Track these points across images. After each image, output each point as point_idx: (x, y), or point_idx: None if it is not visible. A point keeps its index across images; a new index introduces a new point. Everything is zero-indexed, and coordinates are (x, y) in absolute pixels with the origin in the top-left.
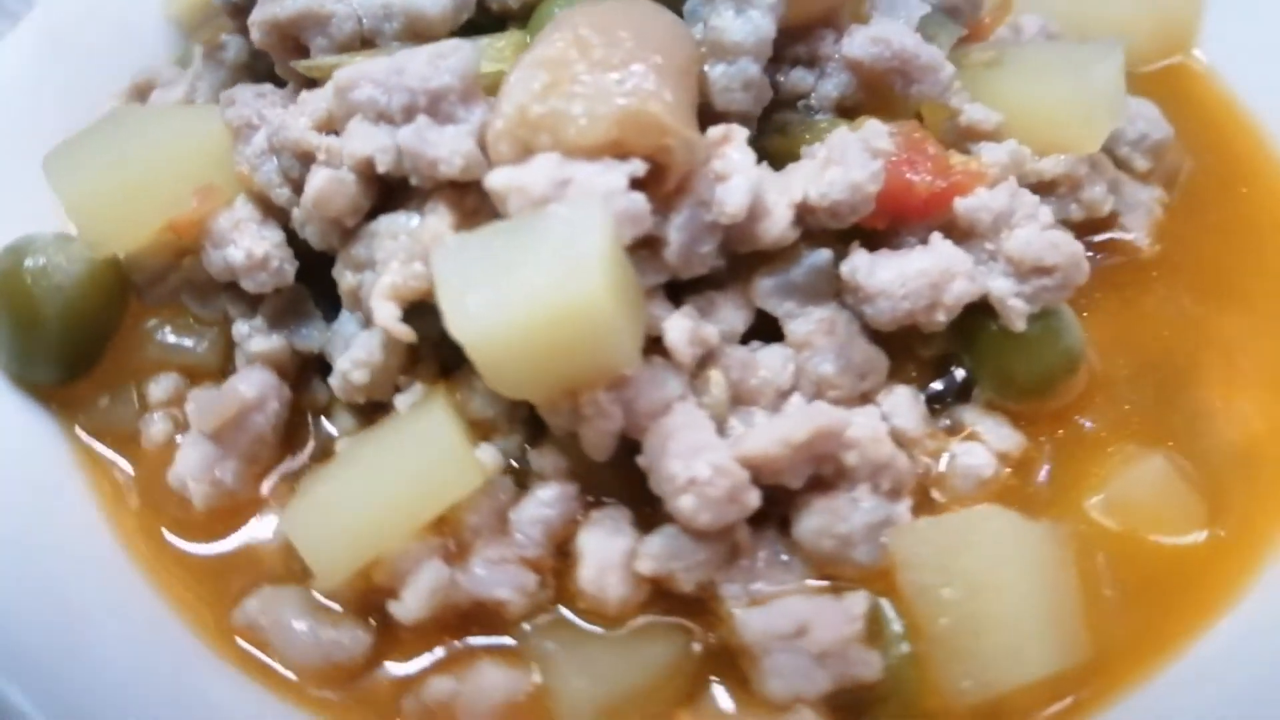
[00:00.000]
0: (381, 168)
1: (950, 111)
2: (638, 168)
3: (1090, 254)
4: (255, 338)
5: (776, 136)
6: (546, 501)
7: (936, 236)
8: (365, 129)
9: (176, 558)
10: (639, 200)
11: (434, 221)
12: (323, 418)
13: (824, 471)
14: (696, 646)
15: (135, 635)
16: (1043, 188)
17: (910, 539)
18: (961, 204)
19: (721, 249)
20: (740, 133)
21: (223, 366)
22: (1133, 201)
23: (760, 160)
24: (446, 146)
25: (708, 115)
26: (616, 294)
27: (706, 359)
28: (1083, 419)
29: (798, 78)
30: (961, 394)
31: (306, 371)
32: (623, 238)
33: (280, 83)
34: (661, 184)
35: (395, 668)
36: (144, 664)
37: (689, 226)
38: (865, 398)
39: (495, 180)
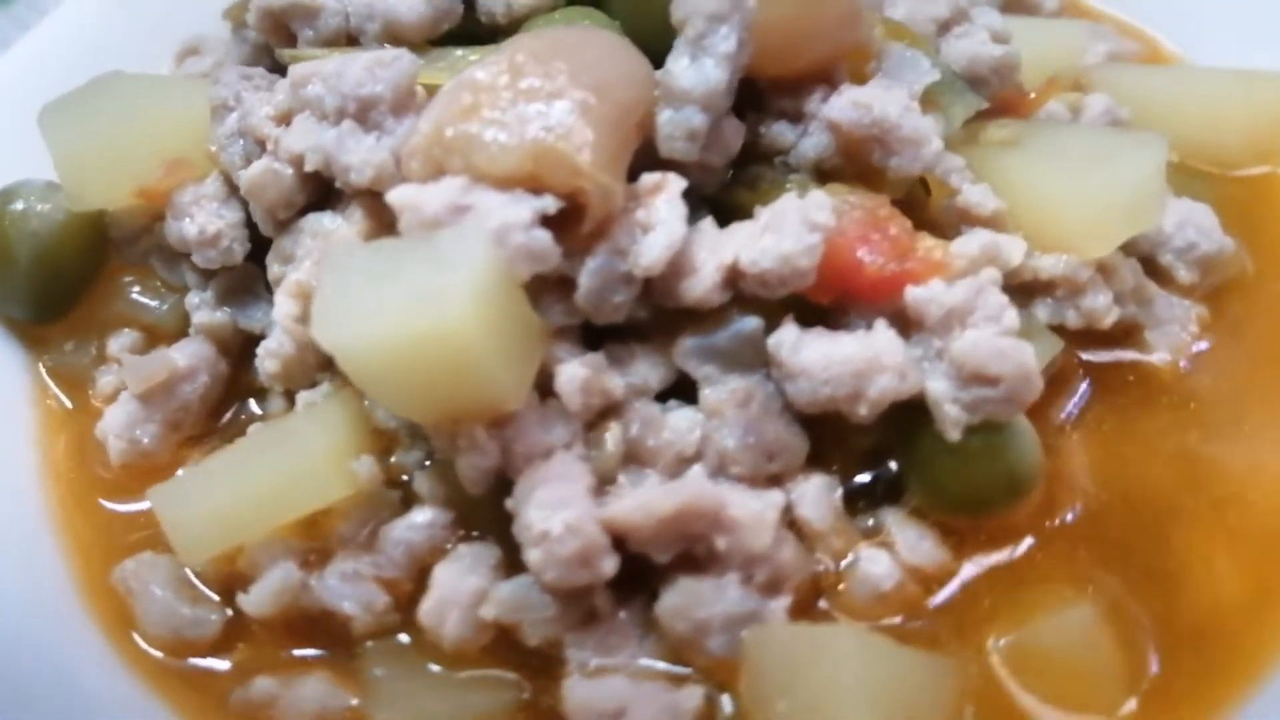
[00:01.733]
0: (309, 166)
1: (950, 190)
2: (549, 204)
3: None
4: (202, 310)
5: (744, 190)
6: (416, 525)
7: (881, 323)
8: (307, 125)
9: (84, 505)
10: (542, 238)
11: (345, 227)
12: (253, 400)
13: (697, 550)
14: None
15: (16, 563)
16: (1039, 287)
17: (763, 641)
18: (912, 293)
19: (644, 301)
20: (675, 184)
21: (181, 330)
22: (1163, 316)
23: (718, 212)
24: (360, 155)
25: (655, 161)
26: (487, 326)
27: (610, 410)
28: (1027, 546)
29: (778, 132)
30: (892, 495)
31: (251, 351)
32: (518, 273)
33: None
34: (578, 225)
35: (236, 657)
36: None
37: (601, 273)
38: (775, 480)
39: (394, 196)
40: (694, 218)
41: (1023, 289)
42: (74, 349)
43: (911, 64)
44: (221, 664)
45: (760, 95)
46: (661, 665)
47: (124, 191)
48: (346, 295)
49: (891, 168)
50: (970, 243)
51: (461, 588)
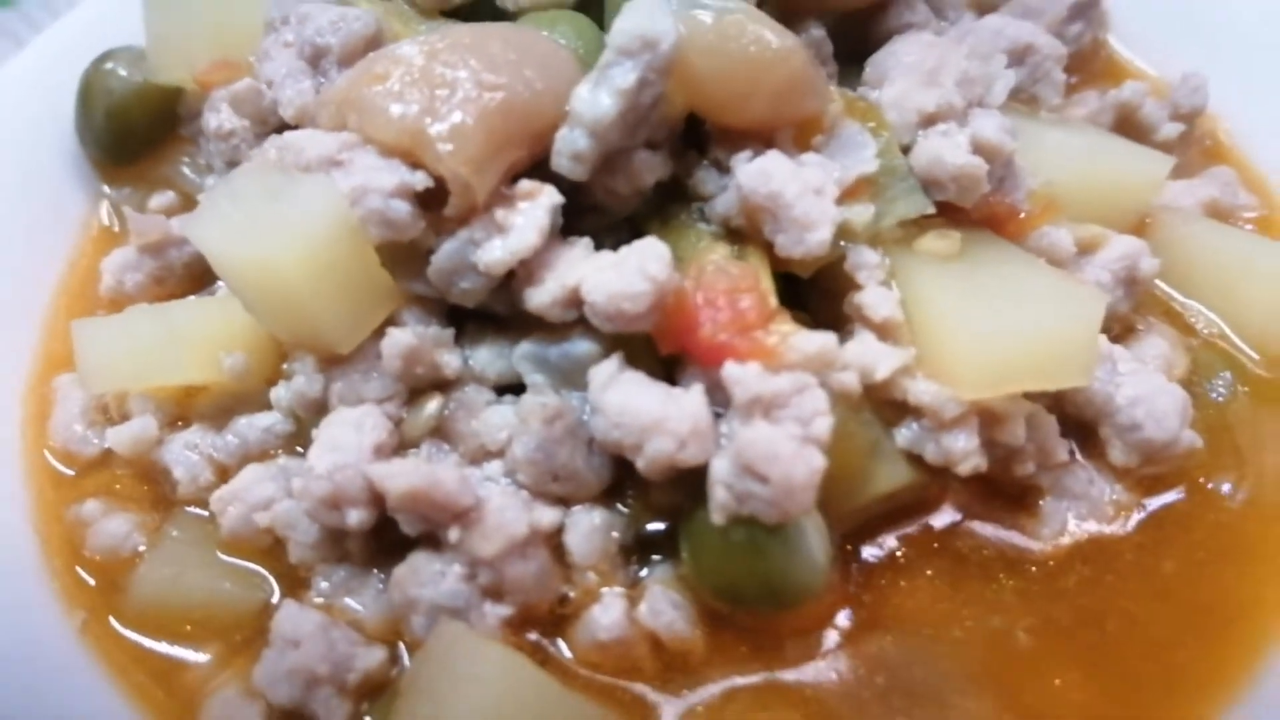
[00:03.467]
0: (271, 92)
1: (857, 285)
2: (417, 180)
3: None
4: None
5: (656, 223)
6: (256, 425)
7: (698, 388)
8: (285, 58)
9: None
10: (399, 208)
11: (272, 153)
12: None
13: (439, 534)
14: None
15: None
16: (909, 410)
17: (438, 636)
18: (727, 369)
19: (504, 296)
20: (547, 196)
21: None
22: (1073, 490)
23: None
24: (292, 92)
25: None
26: (311, 269)
27: (442, 385)
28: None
29: (703, 179)
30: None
31: None
32: (368, 233)
33: None
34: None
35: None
36: None
37: (451, 257)
38: (561, 500)
39: (287, 136)
40: (611, 239)
41: (893, 407)
42: (129, 193)
43: (857, 148)
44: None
45: (705, 139)
46: (373, 623)
47: (185, 75)
48: (216, 204)
49: (778, 244)
50: (811, 341)
51: (254, 489)
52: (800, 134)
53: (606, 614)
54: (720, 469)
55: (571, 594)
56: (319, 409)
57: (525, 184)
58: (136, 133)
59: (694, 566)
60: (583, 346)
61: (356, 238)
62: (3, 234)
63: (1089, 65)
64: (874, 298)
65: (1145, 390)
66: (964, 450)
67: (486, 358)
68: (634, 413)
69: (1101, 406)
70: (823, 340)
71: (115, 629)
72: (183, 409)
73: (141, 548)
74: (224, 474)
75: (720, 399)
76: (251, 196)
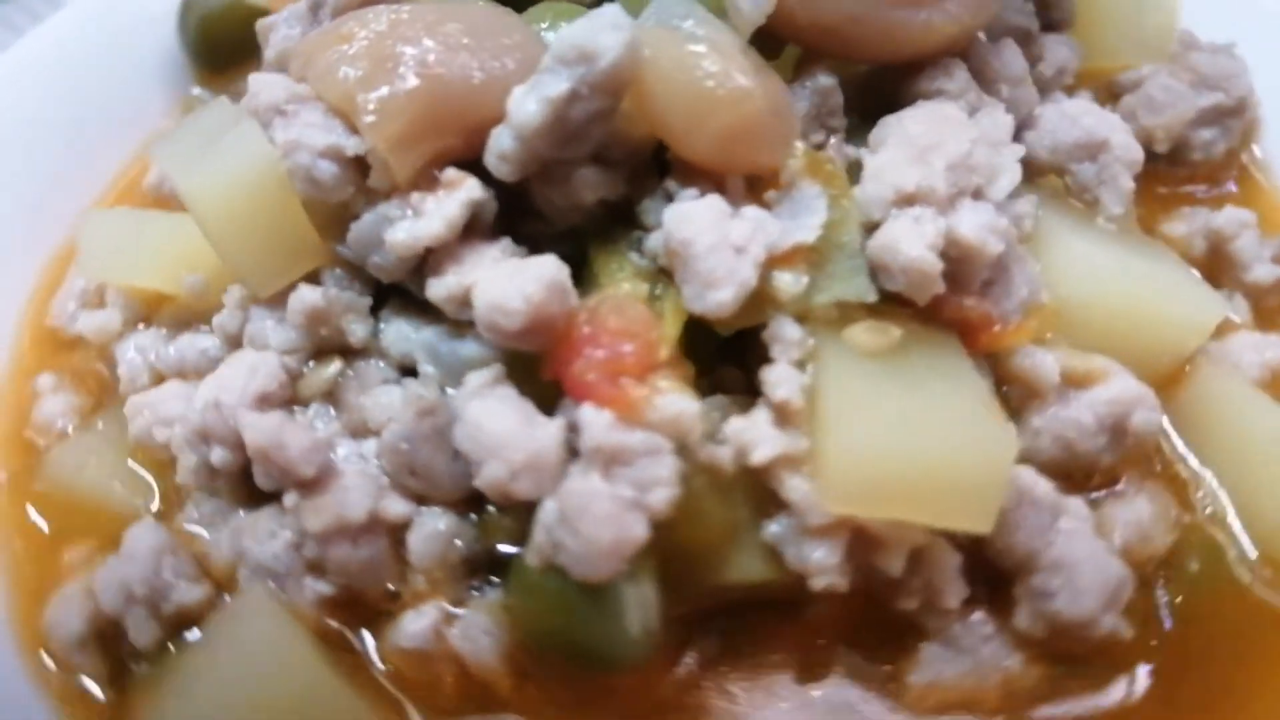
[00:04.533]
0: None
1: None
2: (352, 145)
3: None
4: None
5: (597, 242)
6: (198, 345)
7: (558, 421)
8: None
9: None
10: (325, 169)
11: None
12: None
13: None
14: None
15: None
16: (780, 505)
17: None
18: (583, 410)
19: (418, 279)
20: (466, 190)
21: None
22: (958, 642)
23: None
24: (279, 35)
25: None
26: (226, 211)
27: (347, 352)
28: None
29: (648, 209)
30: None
31: None
32: (298, 188)
33: None
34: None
35: None
36: None
37: (366, 229)
38: (419, 497)
39: (252, 77)
40: (555, 247)
41: (767, 496)
42: (209, 97)
43: (806, 212)
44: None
45: (666, 168)
46: (219, 563)
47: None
48: (182, 130)
49: (683, 294)
50: (673, 404)
51: (165, 404)
52: (754, 184)
53: (416, 622)
54: (547, 511)
55: (401, 593)
56: (235, 343)
57: (450, 173)
58: (223, 45)
59: (512, 602)
60: (470, 348)
61: (283, 189)
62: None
63: (1217, 176)
64: (778, 376)
65: (1075, 557)
66: (820, 563)
67: (394, 336)
68: (485, 430)
69: (1022, 561)
70: (681, 407)
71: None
72: (150, 312)
73: (71, 429)
74: (159, 382)
75: None
76: (205, 130)
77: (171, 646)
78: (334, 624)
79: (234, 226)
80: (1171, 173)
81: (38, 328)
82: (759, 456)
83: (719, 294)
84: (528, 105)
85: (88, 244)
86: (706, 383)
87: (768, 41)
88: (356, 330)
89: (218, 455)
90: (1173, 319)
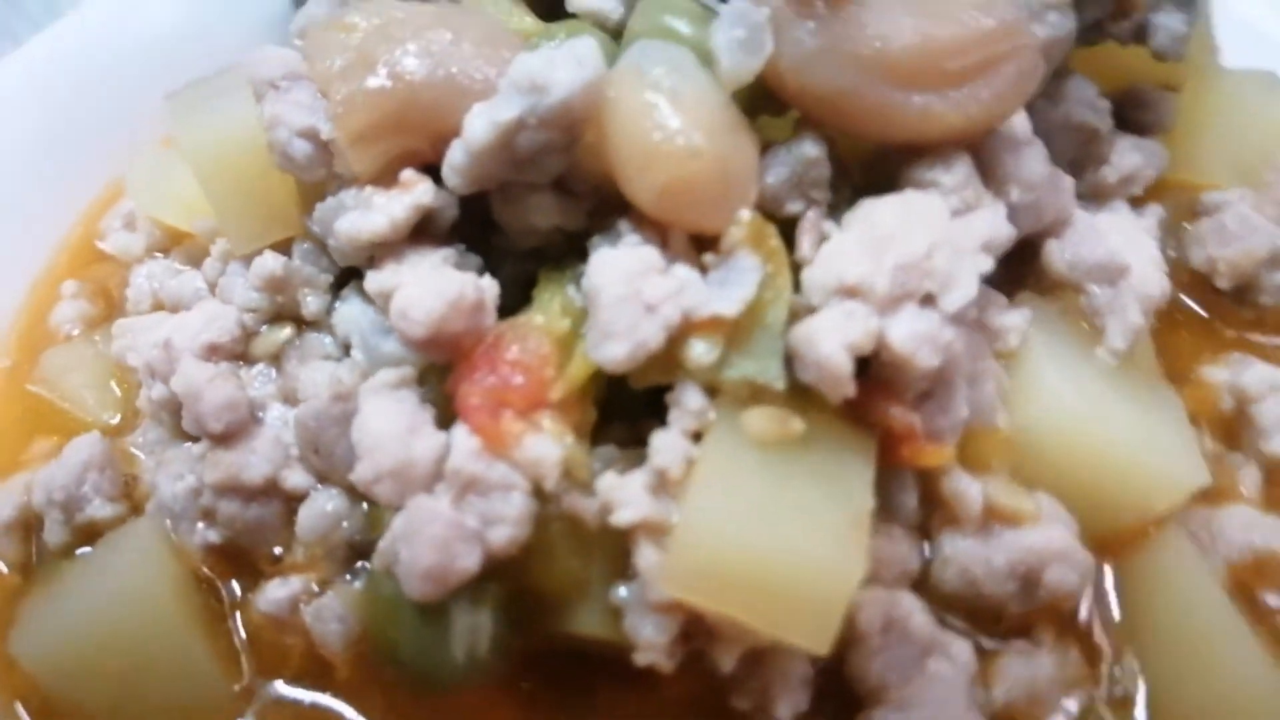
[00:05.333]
0: None
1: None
2: (327, 130)
3: None
4: None
5: (547, 266)
6: (194, 283)
7: (438, 436)
8: None
9: None
10: (300, 147)
11: None
12: None
13: None
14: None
15: None
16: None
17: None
18: (455, 431)
19: None
20: (415, 194)
21: None
22: None
23: None
24: (304, 13)
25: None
26: (212, 171)
27: (302, 323)
28: None
29: (594, 244)
30: None
31: None
32: (275, 161)
33: None
34: None
35: None
36: None
37: (325, 213)
38: (321, 475)
39: (259, 48)
40: (515, 266)
41: (625, 558)
42: None
43: (734, 284)
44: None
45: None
46: (148, 488)
47: None
48: (194, 88)
49: (586, 341)
50: (537, 446)
51: (146, 333)
52: (697, 244)
53: (278, 590)
54: (397, 521)
55: (284, 559)
56: (213, 291)
57: (407, 174)
58: None
59: (361, 598)
60: (391, 345)
61: (263, 160)
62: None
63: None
64: (665, 442)
65: (928, 700)
66: (648, 639)
67: (343, 316)
68: (369, 428)
69: (873, 690)
70: (544, 451)
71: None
72: (172, 244)
73: (75, 333)
74: (158, 310)
75: None
76: (216, 89)
77: (77, 553)
78: (208, 572)
79: (220, 183)
80: (1236, 313)
81: (84, 236)
82: (619, 518)
83: (613, 347)
84: (477, 124)
85: (133, 174)
86: (628, 433)
87: (773, 99)
88: (310, 303)
89: (157, 390)
90: (1142, 476)
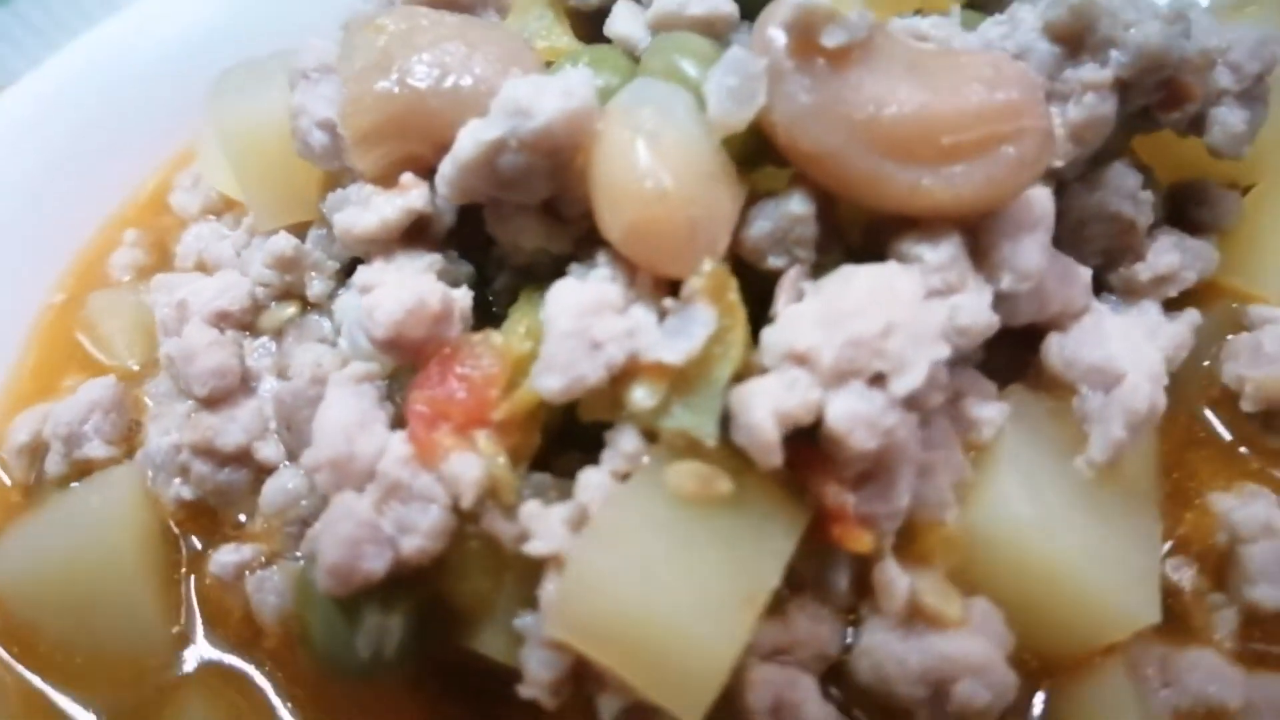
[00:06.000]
0: None
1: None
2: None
3: None
4: None
5: (533, 285)
6: (234, 246)
7: (389, 436)
8: None
9: None
10: (318, 138)
11: None
12: None
13: None
14: None
15: None
16: None
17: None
18: (393, 435)
19: None
20: (409, 198)
21: None
22: None
23: None
24: (355, 7)
25: None
26: (239, 149)
27: (308, 304)
28: None
29: (571, 271)
30: None
31: None
32: (295, 148)
33: None
34: None
35: None
36: None
37: (332, 203)
38: (290, 452)
39: (307, 40)
40: (507, 277)
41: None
42: None
43: (685, 334)
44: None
45: None
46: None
47: None
48: (233, 70)
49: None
50: (460, 464)
51: (185, 287)
52: (660, 286)
53: (228, 555)
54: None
55: (245, 525)
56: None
57: (406, 178)
58: None
59: (297, 576)
60: (366, 340)
61: (289, 145)
62: None
63: None
64: (590, 480)
65: None
66: (533, 674)
67: (344, 302)
68: (323, 416)
69: None
70: (464, 470)
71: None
72: (225, 209)
73: (125, 279)
74: (202, 267)
75: None
76: (253, 76)
77: (70, 486)
78: (175, 527)
79: (248, 162)
80: (1262, 440)
81: (158, 188)
82: (532, 547)
83: (549, 380)
84: (464, 140)
85: (202, 137)
86: (578, 464)
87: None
88: (315, 286)
89: (166, 346)
90: (1087, 602)
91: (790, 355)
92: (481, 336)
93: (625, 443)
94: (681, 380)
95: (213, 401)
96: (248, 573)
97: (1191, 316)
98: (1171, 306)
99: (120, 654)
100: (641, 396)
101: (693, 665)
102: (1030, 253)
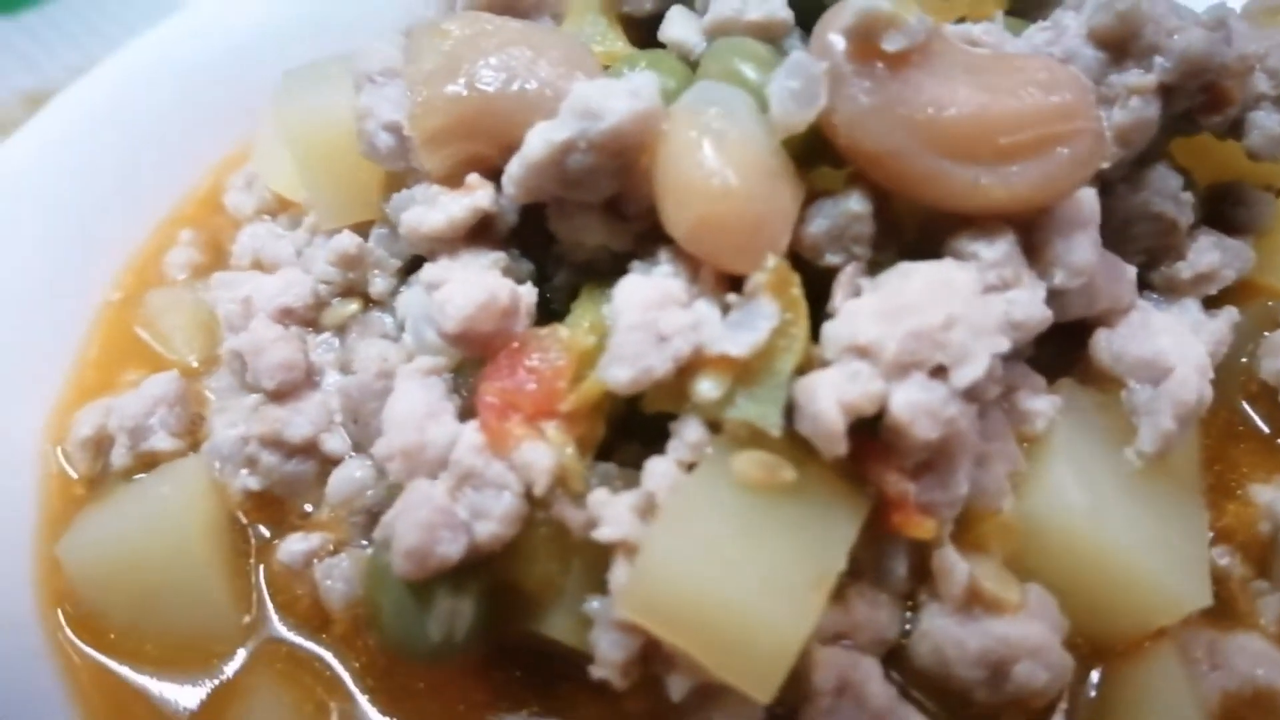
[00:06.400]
0: None
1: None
2: (406, 128)
3: None
4: None
5: (594, 281)
6: (295, 244)
7: (457, 426)
8: None
9: None
10: (384, 139)
11: None
12: None
13: None
14: None
15: None
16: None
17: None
18: (466, 424)
19: None
20: (475, 198)
21: None
22: None
23: None
24: (417, 14)
25: None
26: (305, 151)
27: (370, 301)
28: None
29: (634, 268)
30: None
31: None
32: (360, 149)
33: None
34: None
35: None
36: None
37: (398, 202)
38: (356, 443)
39: (367, 44)
40: (567, 274)
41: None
42: None
43: (749, 327)
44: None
45: None
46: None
47: None
48: (299, 72)
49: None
50: (532, 452)
51: (240, 284)
52: (731, 282)
53: (297, 544)
54: (399, 500)
55: (311, 515)
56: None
57: (472, 178)
58: None
59: (366, 565)
60: (434, 334)
61: (354, 146)
62: None
63: None
64: (657, 468)
65: None
66: (604, 655)
67: (407, 299)
68: (393, 407)
69: None
70: (536, 457)
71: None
72: (279, 209)
73: (181, 277)
74: (258, 265)
75: None
76: (320, 77)
77: (135, 478)
78: (243, 517)
79: (313, 162)
80: None
81: (212, 189)
82: (601, 533)
83: (618, 371)
84: (534, 141)
85: (258, 138)
86: (640, 455)
87: (831, 151)
88: (377, 283)
89: (231, 342)
90: (1140, 587)
91: (853, 348)
92: (549, 331)
93: (690, 433)
94: (745, 372)
95: (280, 395)
96: (315, 561)
97: (1230, 314)
98: (1210, 305)
99: (190, 640)
100: (707, 388)
101: (763, 645)
102: (1083, 249)
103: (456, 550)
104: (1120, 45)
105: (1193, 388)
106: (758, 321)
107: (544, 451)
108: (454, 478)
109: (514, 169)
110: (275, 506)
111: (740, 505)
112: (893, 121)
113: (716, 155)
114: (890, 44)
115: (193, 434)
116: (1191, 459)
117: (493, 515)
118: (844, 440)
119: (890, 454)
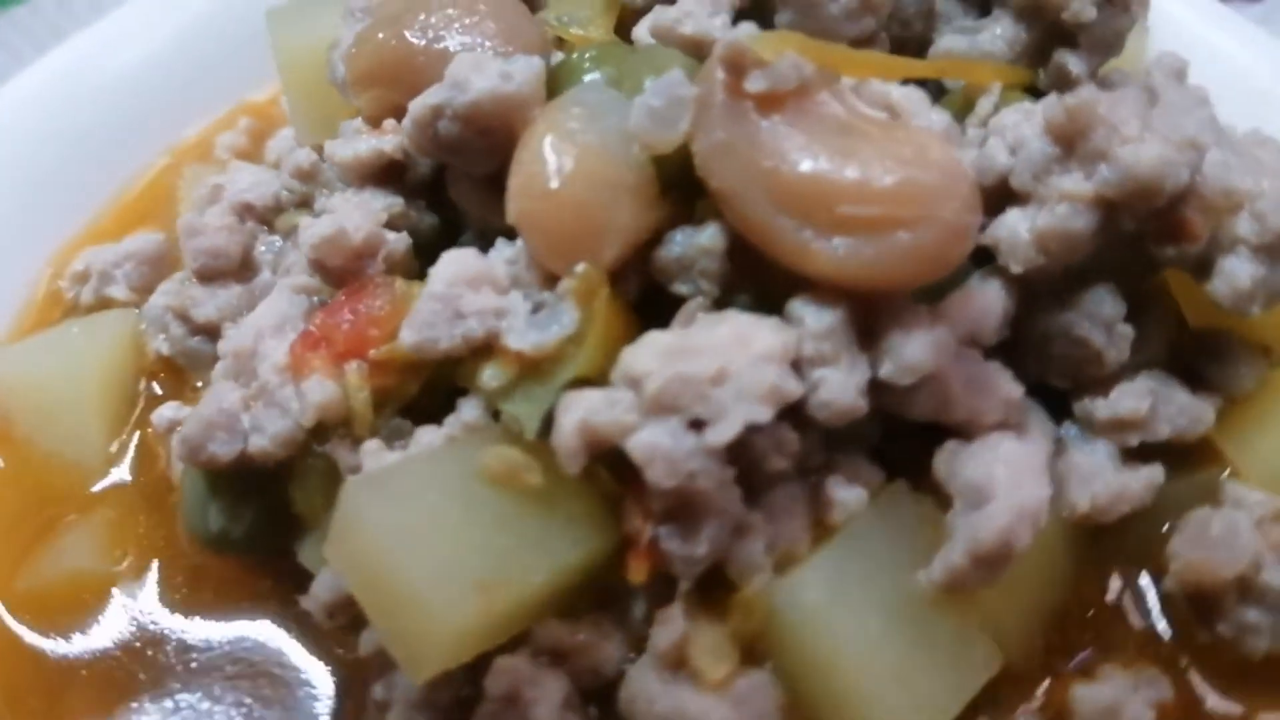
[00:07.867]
0: None
1: None
2: None
3: None
4: None
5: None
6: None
7: None
8: None
9: None
10: (341, 71)
11: None
12: None
13: None
14: None
15: None
16: None
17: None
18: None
19: None
20: (386, 140)
21: None
22: None
23: None
24: None
25: None
26: (293, 69)
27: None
28: None
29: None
30: None
31: None
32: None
33: None
34: None
35: None
36: None
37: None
38: None
39: None
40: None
41: None
42: None
43: (543, 326)
44: None
45: None
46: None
47: None
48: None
49: None
50: (312, 387)
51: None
52: (551, 280)
53: (166, 411)
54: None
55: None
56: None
57: (388, 123)
58: None
59: None
60: None
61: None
62: None
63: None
64: (421, 435)
65: None
66: (314, 590)
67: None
68: (252, 314)
69: None
70: (316, 392)
71: None
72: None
73: (224, 158)
74: (276, 166)
75: None
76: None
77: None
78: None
79: (294, 80)
80: (1190, 629)
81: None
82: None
83: (406, 333)
84: (417, 100)
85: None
86: None
87: None
88: (319, 201)
89: (180, 220)
90: (863, 715)
91: (628, 376)
92: (388, 280)
93: (468, 412)
94: (534, 370)
95: (202, 276)
96: (177, 430)
97: (1153, 473)
98: (1156, 458)
99: (65, 458)
100: (489, 376)
101: (421, 630)
102: (919, 347)
103: (227, 453)
104: (1069, 144)
105: (998, 529)
106: (553, 324)
107: (327, 388)
108: (252, 390)
109: (405, 122)
110: (178, 375)
111: (463, 491)
112: (740, 163)
113: (555, 154)
114: (752, 84)
115: (150, 293)
116: (1022, 612)
117: (266, 433)
118: (579, 458)
119: (644, 492)
